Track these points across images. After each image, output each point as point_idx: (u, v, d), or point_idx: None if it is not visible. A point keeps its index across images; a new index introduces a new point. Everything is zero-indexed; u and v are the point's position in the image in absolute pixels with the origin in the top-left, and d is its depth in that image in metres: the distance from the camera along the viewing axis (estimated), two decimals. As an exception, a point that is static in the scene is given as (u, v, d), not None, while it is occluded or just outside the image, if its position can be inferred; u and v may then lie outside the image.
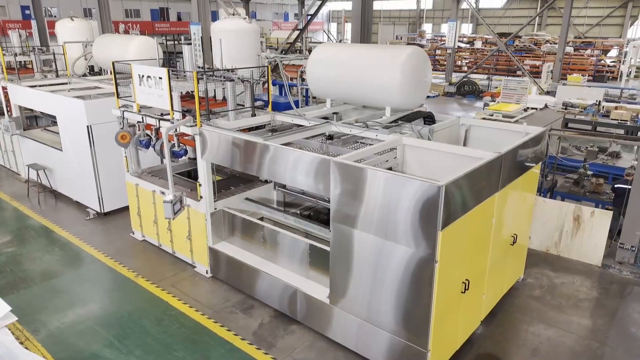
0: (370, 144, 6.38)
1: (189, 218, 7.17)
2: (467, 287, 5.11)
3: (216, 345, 5.75)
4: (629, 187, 7.40)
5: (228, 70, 7.41)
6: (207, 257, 7.17)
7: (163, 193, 7.49)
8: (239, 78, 7.27)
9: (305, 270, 6.10)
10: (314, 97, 7.95)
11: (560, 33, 22.19)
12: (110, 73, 11.80)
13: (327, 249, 5.64)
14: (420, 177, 4.46)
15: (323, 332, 5.80)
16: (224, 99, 7.48)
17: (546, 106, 19.52)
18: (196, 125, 6.55)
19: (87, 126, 8.74)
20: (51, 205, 10.15)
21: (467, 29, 43.82)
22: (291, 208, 7.49)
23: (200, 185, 6.81)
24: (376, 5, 45.63)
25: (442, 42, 37.00)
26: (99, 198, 9.25)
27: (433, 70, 11.98)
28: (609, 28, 36.84)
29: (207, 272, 7.28)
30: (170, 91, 6.69)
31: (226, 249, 6.96)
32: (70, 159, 9.61)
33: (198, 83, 7.03)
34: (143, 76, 7.05)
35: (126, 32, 27.63)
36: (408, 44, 35.52)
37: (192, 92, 7.30)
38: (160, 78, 6.75)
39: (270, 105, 7.65)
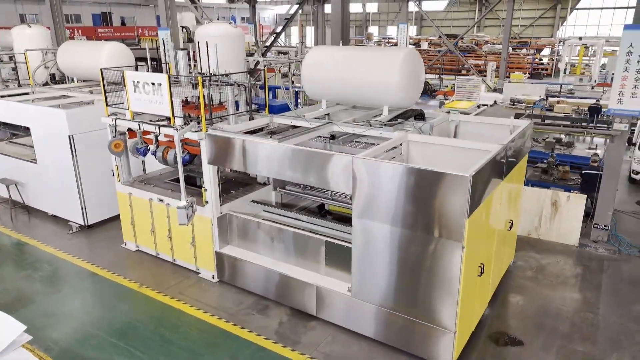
0: (372, 143, 6.68)
1: (193, 224, 7.13)
2: (482, 271, 5.50)
3: (241, 346, 5.80)
4: (599, 172, 8.15)
5: (223, 75, 7.42)
6: (213, 262, 7.15)
7: (162, 200, 7.41)
8: (235, 82, 7.31)
9: (322, 267, 6.27)
10: (310, 100, 8.13)
11: (504, 34, 23.62)
12: (79, 81, 11.46)
13: (345, 244, 5.87)
14: (446, 170, 4.78)
15: (345, 325, 6.00)
16: (220, 103, 7.49)
17: (495, 102, 20.74)
18: (201, 130, 6.55)
19: (69, 136, 8.42)
20: (24, 221, 9.65)
21: (412, 31, 45.41)
22: (289, 208, 7.61)
23: (205, 190, 6.81)
24: (329, 9, 46.28)
25: (389, 44, 38.15)
26: (82, 210, 8.92)
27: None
28: (541, 28, 39.49)
29: (213, 277, 7.26)
30: (171, 97, 6.64)
31: (234, 253, 6.98)
32: (46, 171, 9.20)
33: (196, 88, 7.07)
34: (139, 83, 6.93)
35: (71, 38, 26.39)
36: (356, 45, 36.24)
37: (187, 98, 7.28)
38: (160, 84, 6.68)
39: (267, 108, 7.75)
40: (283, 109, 8.25)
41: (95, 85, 10.86)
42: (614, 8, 36.38)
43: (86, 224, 9.04)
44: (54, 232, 9.12)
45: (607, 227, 8.08)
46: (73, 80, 11.61)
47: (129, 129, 7.71)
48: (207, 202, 6.86)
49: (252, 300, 6.75)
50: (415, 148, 6.37)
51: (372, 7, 46.69)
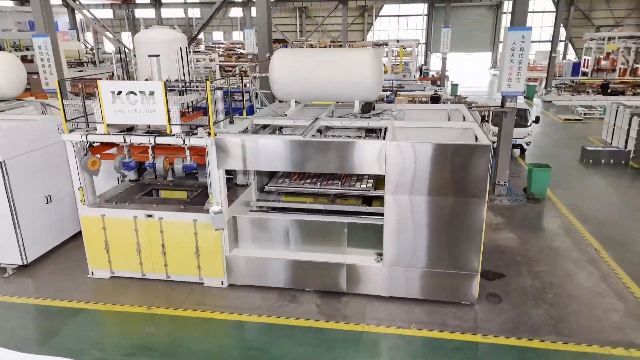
0: (358, 135, 7.58)
1: (197, 233, 6.97)
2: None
3: (302, 332, 6.13)
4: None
5: (201, 81, 7.37)
6: (222, 268, 7.12)
7: (151, 216, 7.01)
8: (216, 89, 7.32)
9: (344, 247, 6.93)
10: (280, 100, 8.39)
11: (342, 38, 26.37)
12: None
13: (369, 222, 6.69)
14: (470, 142, 6.01)
15: (377, 292, 6.80)
16: (199, 109, 7.42)
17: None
18: (209, 135, 6.52)
19: (1, 162, 7.17)
20: None
21: (238, 36, 46.24)
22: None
23: (212, 195, 6.77)
24: (141, 13, 43.71)
25: (222, 49, 38.36)
26: (20, 247, 7.63)
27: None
28: (353, 33, 44.52)
29: (222, 283, 7.21)
30: (168, 105, 6.43)
31: (247, 253, 7.10)
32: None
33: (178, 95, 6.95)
34: (120, 92, 6.47)
35: None
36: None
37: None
38: (152, 93, 6.39)
39: (244, 111, 7.92)
40: (249, 111, 8.45)
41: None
42: (408, 15, 43.42)
43: (25, 263, 7.76)
44: (-24, 281, 7.60)
45: (505, 183, 10.49)
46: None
47: (90, 145, 7.05)
48: (215, 207, 6.82)
49: (275, 294, 7.00)
50: (400, 132, 7.46)
51: (195, 13, 46.04)
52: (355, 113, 7.78)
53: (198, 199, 7.47)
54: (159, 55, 7.22)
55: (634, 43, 28.78)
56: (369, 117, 7.56)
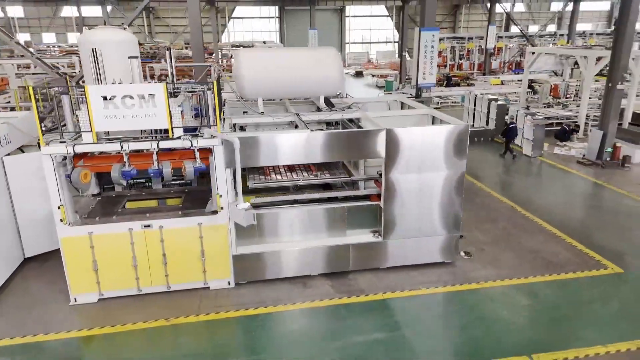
0: (314, 127, 8.25)
1: (202, 237, 6.86)
2: (450, 192, 8.20)
3: (340, 309, 6.59)
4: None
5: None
6: (229, 268, 7.12)
7: (149, 226, 6.65)
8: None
9: (344, 230, 7.53)
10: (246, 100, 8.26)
11: (213, 39, 26.09)
12: None
13: (364, 204, 7.44)
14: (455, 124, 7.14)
15: (378, 265, 7.58)
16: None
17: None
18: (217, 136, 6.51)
19: (-51, 187, 6.05)
20: None
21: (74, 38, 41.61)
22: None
23: (220, 196, 6.75)
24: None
25: (58, 51, 34.32)
26: (-26, 286, 6.50)
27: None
28: (207, 35, 43.79)
29: (229, 284, 7.20)
30: (170, 108, 6.23)
31: (253, 250, 7.22)
32: None
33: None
34: (114, 97, 6.05)
35: None
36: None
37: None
38: (152, 95, 6.13)
39: (219, 112, 7.87)
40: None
41: None
42: (261, 18, 44.30)
43: (-20, 303, 6.63)
44: None
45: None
46: None
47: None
48: (222, 207, 6.81)
49: (286, 284, 7.28)
50: (370, 121, 8.30)
51: (17, 12, 39.88)
52: (325, 107, 8.38)
53: (189, 203, 7.29)
54: (138, 57, 6.86)
55: (457, 43, 34.41)
56: (344, 110, 8.25)
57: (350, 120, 8.20)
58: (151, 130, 6.52)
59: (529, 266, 7.71)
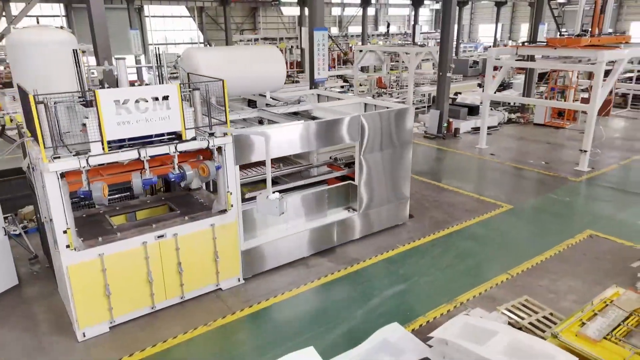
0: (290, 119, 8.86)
1: (216, 237, 6.79)
2: (386, 168, 9.67)
3: (352, 276, 7.37)
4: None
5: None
6: (239, 264, 7.20)
7: (162, 236, 6.32)
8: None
9: (325, 210, 8.29)
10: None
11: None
12: None
13: (340, 185, 8.39)
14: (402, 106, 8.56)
15: (358, 235, 8.59)
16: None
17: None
18: (227, 134, 6.55)
19: None
20: None
21: None
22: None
23: (231, 193, 6.80)
24: None
25: None
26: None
27: None
28: None
29: (238, 280, 7.26)
30: (183, 108, 6.07)
31: (257, 242, 7.43)
32: None
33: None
34: (127, 101, 5.63)
35: None
36: None
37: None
38: (167, 97, 5.89)
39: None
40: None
41: None
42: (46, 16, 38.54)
43: (-38, 371, 5.29)
44: None
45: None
46: None
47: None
48: (232, 205, 6.86)
49: (290, 269, 7.70)
50: (322, 111, 9.13)
51: None
52: (276, 102, 8.92)
53: (185, 208, 7.02)
54: (125, 58, 6.34)
55: (270, 43, 36.59)
56: (299, 103, 8.91)
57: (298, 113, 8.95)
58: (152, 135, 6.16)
59: (458, 215, 9.77)
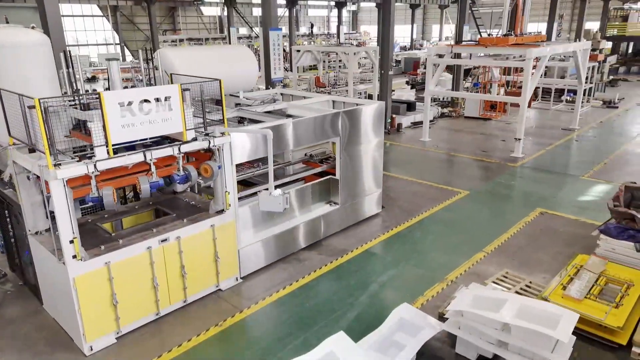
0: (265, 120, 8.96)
1: (216, 238, 6.75)
2: (357, 162, 10.07)
3: (340, 273, 7.65)
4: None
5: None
6: (237, 263, 7.20)
7: (166, 240, 6.20)
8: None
9: (309, 205, 8.50)
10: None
11: None
12: None
13: (322, 180, 8.66)
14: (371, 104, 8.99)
15: (340, 227, 8.89)
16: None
17: None
18: (226, 133, 6.55)
19: None
20: None
21: None
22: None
23: (229, 193, 6.79)
24: None
25: None
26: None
27: None
28: None
29: (237, 280, 7.26)
30: (184, 109, 6.00)
31: (252, 240, 7.46)
32: None
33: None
34: (131, 103, 5.47)
35: None
36: None
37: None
38: (169, 97, 5.80)
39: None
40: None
41: None
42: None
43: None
44: None
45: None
46: None
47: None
48: (229, 205, 6.86)
49: (284, 264, 7.81)
50: (297, 109, 9.29)
51: None
52: (257, 101, 8.96)
53: (179, 211, 6.89)
54: (118, 59, 6.09)
55: (195, 43, 35.71)
56: (274, 102, 9.01)
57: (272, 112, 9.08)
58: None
59: (423, 203, 10.43)
